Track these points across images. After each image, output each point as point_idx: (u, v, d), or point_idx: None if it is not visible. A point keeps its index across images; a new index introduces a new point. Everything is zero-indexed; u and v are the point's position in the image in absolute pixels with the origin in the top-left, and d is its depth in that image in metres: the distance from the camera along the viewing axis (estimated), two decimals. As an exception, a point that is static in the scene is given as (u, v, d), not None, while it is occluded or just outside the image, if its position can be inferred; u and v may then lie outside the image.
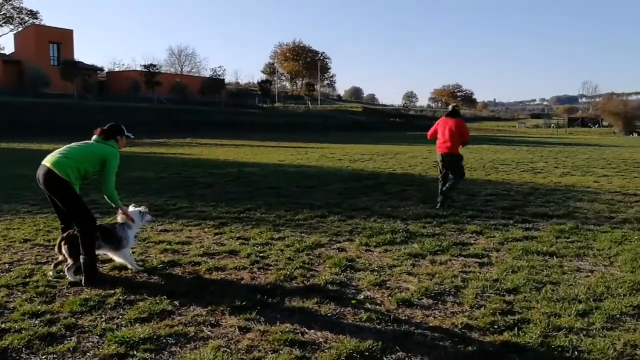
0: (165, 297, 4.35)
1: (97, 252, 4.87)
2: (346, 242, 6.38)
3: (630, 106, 75.74)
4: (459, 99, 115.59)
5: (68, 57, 55.84)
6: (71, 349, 3.44)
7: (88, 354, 3.39)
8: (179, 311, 4.10)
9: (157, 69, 62.54)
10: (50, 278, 4.84)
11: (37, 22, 68.13)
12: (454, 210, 8.41)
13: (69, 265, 4.77)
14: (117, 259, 5.16)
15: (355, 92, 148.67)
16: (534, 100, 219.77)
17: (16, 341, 3.51)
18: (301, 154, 22.03)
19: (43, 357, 3.35)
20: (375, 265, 5.41)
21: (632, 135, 64.94)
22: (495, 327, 3.83)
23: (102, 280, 4.75)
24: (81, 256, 4.69)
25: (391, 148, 27.20)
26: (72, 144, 4.97)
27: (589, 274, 5.18)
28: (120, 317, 3.97)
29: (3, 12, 68.97)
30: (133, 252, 5.57)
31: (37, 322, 3.86)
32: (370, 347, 3.47)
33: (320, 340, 3.62)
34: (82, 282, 4.67)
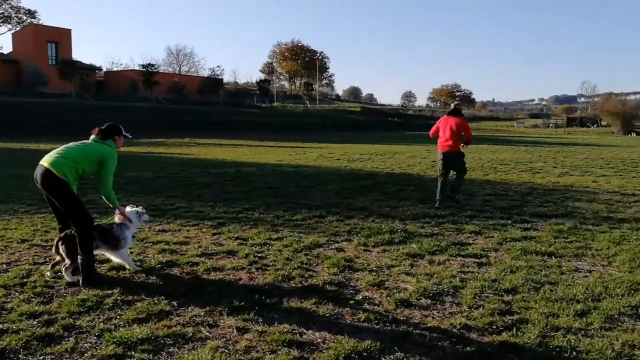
0: (163, 297, 4.34)
1: (94, 252, 4.87)
2: (344, 242, 6.38)
3: (629, 106, 75.91)
4: (457, 98, 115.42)
5: (66, 57, 55.78)
6: (69, 349, 3.43)
7: (86, 354, 3.38)
8: (177, 312, 4.10)
9: (156, 68, 62.49)
10: (47, 278, 4.83)
11: (35, 21, 68.08)
12: (452, 210, 8.41)
13: (66, 266, 4.76)
14: (115, 259, 5.15)
15: (354, 92, 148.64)
16: (533, 100, 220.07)
17: (14, 342, 3.50)
18: (299, 153, 22.03)
19: (41, 357, 3.34)
20: (374, 265, 5.41)
21: (631, 135, 65.06)
22: (494, 327, 3.83)
23: (99, 281, 4.74)
24: (79, 256, 4.68)
25: (389, 148, 27.21)
26: (70, 143, 4.97)
27: (588, 274, 5.18)
28: (118, 317, 3.97)
29: (1, 11, 68.90)
30: (131, 252, 5.56)
31: (34, 322, 3.85)
32: (369, 347, 3.46)
33: (319, 340, 3.61)
34: (80, 283, 4.66)
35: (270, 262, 5.50)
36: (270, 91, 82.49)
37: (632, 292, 4.59)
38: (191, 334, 3.69)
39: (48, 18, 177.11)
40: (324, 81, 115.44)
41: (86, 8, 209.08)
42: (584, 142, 39.87)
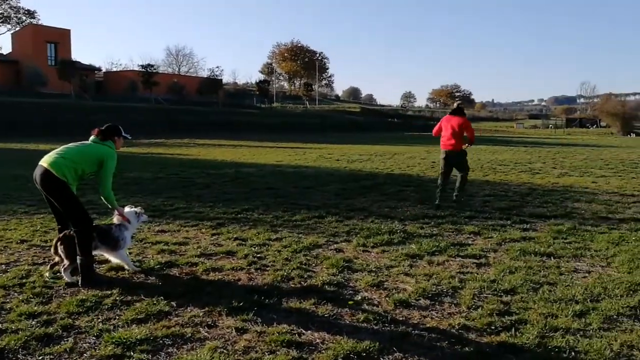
0: (162, 297, 4.34)
1: (94, 252, 4.87)
2: (344, 243, 6.38)
3: (628, 107, 75.90)
4: (457, 99, 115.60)
5: (65, 57, 55.77)
6: (68, 349, 3.44)
7: (85, 354, 3.38)
8: (176, 312, 4.10)
9: (155, 69, 62.46)
10: (47, 279, 4.83)
11: (34, 21, 68.14)
12: (451, 211, 8.42)
13: (65, 266, 4.76)
14: (114, 260, 5.15)
15: (353, 93, 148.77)
16: (532, 100, 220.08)
17: (13, 342, 3.50)
18: (299, 154, 22.03)
19: (40, 357, 3.34)
20: (373, 266, 5.41)
21: (630, 135, 65.10)
22: (493, 327, 3.83)
23: (99, 281, 4.74)
24: (78, 257, 4.68)
25: (389, 148, 27.21)
26: (70, 144, 4.97)
27: (586, 274, 5.19)
28: (117, 318, 3.97)
29: (0, 11, 68.89)
30: (130, 253, 5.56)
31: (33, 322, 3.85)
32: (368, 347, 3.47)
33: (318, 341, 3.61)
34: (79, 283, 4.66)
35: (270, 262, 5.50)
36: (270, 92, 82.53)
37: (631, 292, 4.59)
38: (190, 334, 3.69)
39: (47, 18, 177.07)
40: (324, 82, 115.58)
41: (87, 9, 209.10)
42: (584, 143, 39.89)
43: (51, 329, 3.73)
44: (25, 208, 8.42)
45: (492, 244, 6.35)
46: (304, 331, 3.76)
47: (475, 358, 3.39)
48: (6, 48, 66.21)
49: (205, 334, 3.71)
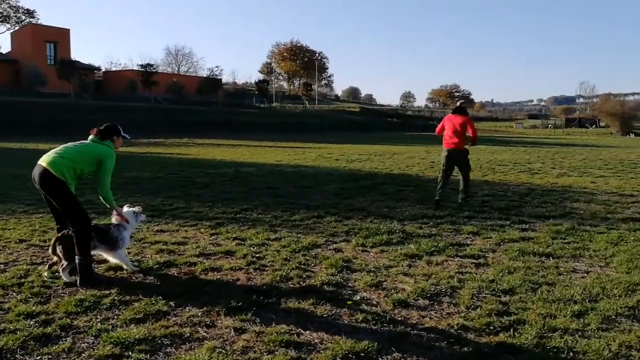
0: (160, 297, 4.34)
1: (92, 252, 4.86)
2: (342, 243, 6.38)
3: (628, 107, 75.91)
4: (456, 99, 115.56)
5: (65, 57, 55.76)
6: (66, 349, 3.43)
7: (83, 354, 3.38)
8: (175, 312, 4.10)
9: (154, 68, 62.44)
10: (45, 278, 4.83)
11: (33, 21, 68.13)
12: (450, 210, 8.42)
13: (64, 266, 4.76)
14: (113, 260, 5.15)
15: (353, 92, 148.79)
16: (532, 100, 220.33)
17: (11, 342, 3.50)
18: (298, 154, 22.03)
19: (38, 357, 3.34)
20: (372, 266, 5.41)
21: (629, 135, 65.14)
22: (491, 328, 3.83)
23: (97, 281, 4.74)
24: (76, 257, 4.68)
25: (388, 148, 27.21)
26: (69, 143, 4.97)
27: (585, 274, 5.19)
28: (116, 317, 3.96)
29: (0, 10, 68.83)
30: (129, 253, 5.56)
31: (32, 322, 3.85)
32: (366, 347, 3.47)
33: (316, 341, 3.61)
34: (78, 283, 4.66)
35: (268, 262, 5.50)
36: (269, 91, 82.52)
37: (630, 293, 4.59)
38: (188, 334, 3.69)
39: (47, 17, 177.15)
40: (323, 81, 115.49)
41: (86, 8, 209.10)
42: (583, 143, 39.91)
43: (49, 328, 3.73)
44: (24, 207, 8.41)
45: (491, 244, 6.35)
46: (302, 331, 3.76)
47: (474, 358, 3.39)
48: (5, 47, 66.46)
49: (204, 333, 3.71)
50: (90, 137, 5.02)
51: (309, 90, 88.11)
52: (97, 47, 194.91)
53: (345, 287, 4.77)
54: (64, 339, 3.59)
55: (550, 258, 5.74)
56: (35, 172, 4.73)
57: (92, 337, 3.62)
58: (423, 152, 24.09)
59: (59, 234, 4.85)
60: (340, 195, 10.18)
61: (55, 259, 4.90)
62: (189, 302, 4.29)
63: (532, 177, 13.99)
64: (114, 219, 5.09)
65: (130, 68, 69.85)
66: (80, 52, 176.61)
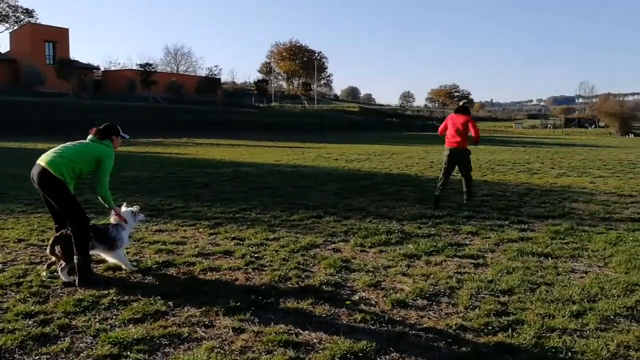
0: (159, 297, 4.34)
1: (91, 252, 4.86)
2: (341, 243, 6.38)
3: (627, 107, 76.05)
4: (456, 99, 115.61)
5: (64, 56, 55.74)
6: (65, 349, 3.43)
7: (81, 354, 3.38)
8: (173, 312, 4.09)
9: (153, 68, 62.41)
10: (44, 278, 4.83)
11: (32, 20, 68.04)
12: (449, 211, 8.43)
13: (62, 266, 4.76)
14: (111, 260, 5.14)
15: (352, 92, 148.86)
16: (531, 100, 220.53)
17: (9, 342, 3.49)
18: (297, 154, 22.02)
19: (36, 357, 3.33)
20: (370, 266, 5.41)
21: (628, 136, 65.21)
22: (490, 328, 3.83)
23: (96, 281, 4.74)
24: (75, 256, 4.67)
25: (388, 148, 27.22)
26: (67, 143, 4.96)
27: (584, 275, 5.20)
28: (114, 317, 3.96)
29: (-1, 10, 68.80)
30: (127, 253, 5.56)
31: (30, 322, 3.84)
32: (365, 347, 3.47)
33: (315, 341, 3.61)
34: (76, 283, 4.65)
35: (267, 262, 5.50)
36: (268, 91, 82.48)
37: (628, 293, 4.60)
38: (187, 334, 3.69)
39: (46, 17, 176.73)
40: (322, 81, 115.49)
41: (85, 8, 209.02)
42: (582, 143, 39.95)
43: (48, 328, 3.73)
44: (22, 207, 8.40)
45: (490, 244, 6.35)
46: (301, 331, 3.76)
47: (473, 358, 3.39)
48: (4, 47, 66.43)
49: (202, 334, 3.71)
50: (89, 136, 5.01)
51: (308, 90, 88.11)
52: (96, 47, 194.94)
53: (343, 287, 4.77)
54: (62, 339, 3.59)
55: (549, 258, 5.75)
56: (34, 172, 4.72)
57: (91, 337, 3.62)
58: (422, 152, 24.10)
59: (58, 234, 4.85)
60: (339, 195, 10.18)
61: (53, 258, 4.89)
62: (188, 302, 4.29)
63: (531, 177, 14.00)
64: (113, 219, 5.09)
65: (129, 67, 69.86)
66: (79, 51, 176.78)
